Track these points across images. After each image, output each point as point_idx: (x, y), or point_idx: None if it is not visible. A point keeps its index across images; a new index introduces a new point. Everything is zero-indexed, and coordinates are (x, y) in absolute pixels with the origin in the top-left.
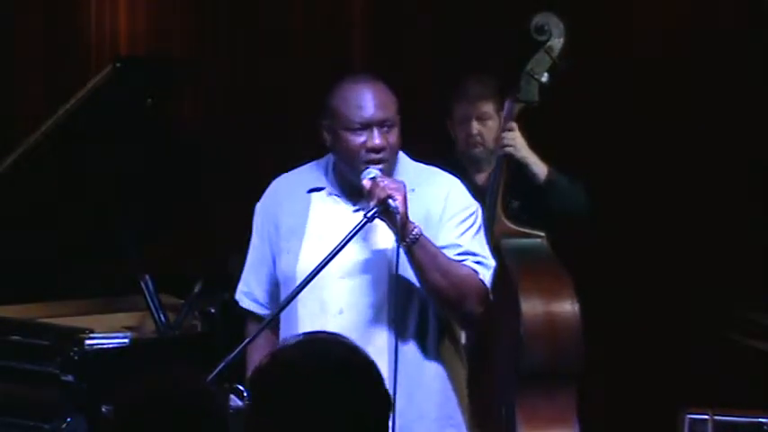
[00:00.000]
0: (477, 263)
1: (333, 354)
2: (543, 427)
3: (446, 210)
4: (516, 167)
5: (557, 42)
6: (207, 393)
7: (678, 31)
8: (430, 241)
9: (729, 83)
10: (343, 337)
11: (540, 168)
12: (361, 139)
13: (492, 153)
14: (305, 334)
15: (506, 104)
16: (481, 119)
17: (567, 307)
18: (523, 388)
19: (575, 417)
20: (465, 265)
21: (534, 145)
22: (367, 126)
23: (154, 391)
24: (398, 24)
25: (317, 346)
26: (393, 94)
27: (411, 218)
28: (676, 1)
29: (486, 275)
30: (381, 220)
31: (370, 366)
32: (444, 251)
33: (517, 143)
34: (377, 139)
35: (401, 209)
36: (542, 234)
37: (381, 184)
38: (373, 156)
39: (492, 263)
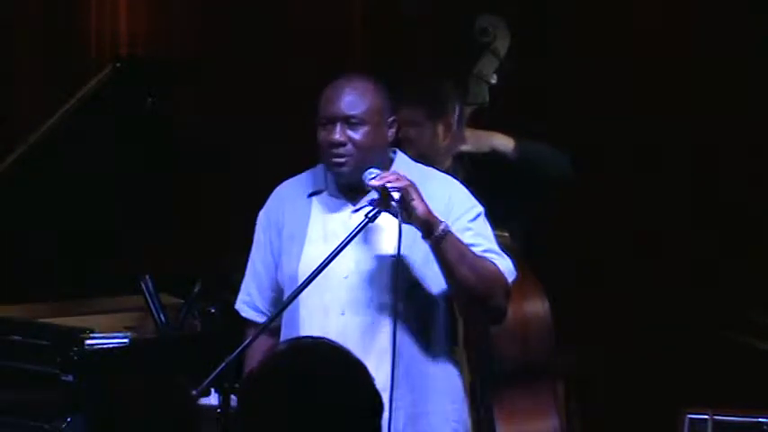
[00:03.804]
0: (499, 259)
1: (321, 357)
2: (522, 422)
3: (453, 211)
4: (482, 165)
5: (501, 43)
6: (180, 395)
7: (679, 29)
8: (457, 237)
9: (731, 81)
10: (331, 341)
11: (506, 147)
12: (324, 133)
13: (426, 158)
14: (292, 339)
15: (457, 109)
16: (409, 124)
17: (537, 306)
18: (499, 386)
19: (553, 409)
20: (491, 261)
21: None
22: (330, 121)
23: (127, 394)
24: (398, 24)
25: (304, 350)
26: (379, 95)
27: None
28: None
29: (509, 274)
30: (402, 222)
31: (359, 368)
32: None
33: (466, 141)
34: (334, 134)
35: (421, 208)
36: (506, 234)
37: (392, 181)
38: (333, 150)
39: (511, 265)
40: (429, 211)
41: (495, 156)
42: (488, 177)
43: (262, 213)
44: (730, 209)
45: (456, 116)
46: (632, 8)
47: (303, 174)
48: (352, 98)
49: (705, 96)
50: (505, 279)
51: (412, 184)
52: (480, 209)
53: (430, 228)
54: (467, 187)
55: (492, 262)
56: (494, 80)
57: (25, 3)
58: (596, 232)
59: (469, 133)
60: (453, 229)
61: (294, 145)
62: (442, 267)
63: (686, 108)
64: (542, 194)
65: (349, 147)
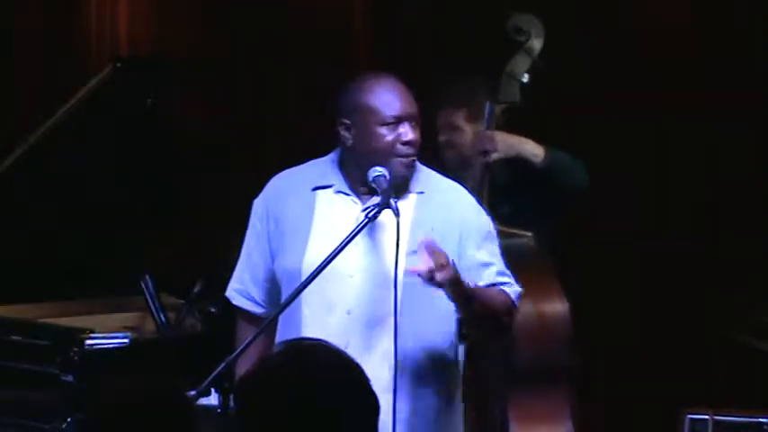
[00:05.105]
0: (508, 284)
1: (318, 359)
2: (536, 424)
3: (466, 224)
4: (506, 167)
5: (536, 42)
6: (177, 396)
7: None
8: (476, 286)
9: (733, 81)
10: (328, 343)
11: (535, 155)
12: (395, 133)
13: (467, 160)
14: (288, 341)
15: (487, 107)
16: (450, 128)
17: (557, 307)
18: (515, 387)
19: (567, 413)
20: (499, 290)
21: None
22: (400, 120)
23: (125, 395)
24: (399, 24)
25: (302, 352)
26: None
27: (420, 221)
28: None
29: (517, 298)
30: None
31: (356, 370)
32: (481, 269)
33: (497, 146)
34: (411, 133)
35: (458, 291)
36: (529, 234)
37: (435, 260)
38: (407, 150)
39: (516, 286)
40: (457, 280)
41: (521, 162)
42: (513, 180)
43: (258, 202)
44: (730, 209)
45: (486, 114)
46: (632, 7)
47: (303, 166)
48: (411, 97)
49: (706, 96)
50: (514, 305)
51: (453, 269)
52: (487, 218)
53: (459, 294)
54: (473, 195)
55: (503, 290)
56: (525, 79)
57: (25, 3)
58: (596, 233)
59: (500, 137)
60: (469, 242)
61: (294, 144)
62: (460, 311)
63: (687, 109)
64: (561, 201)
65: (417, 146)
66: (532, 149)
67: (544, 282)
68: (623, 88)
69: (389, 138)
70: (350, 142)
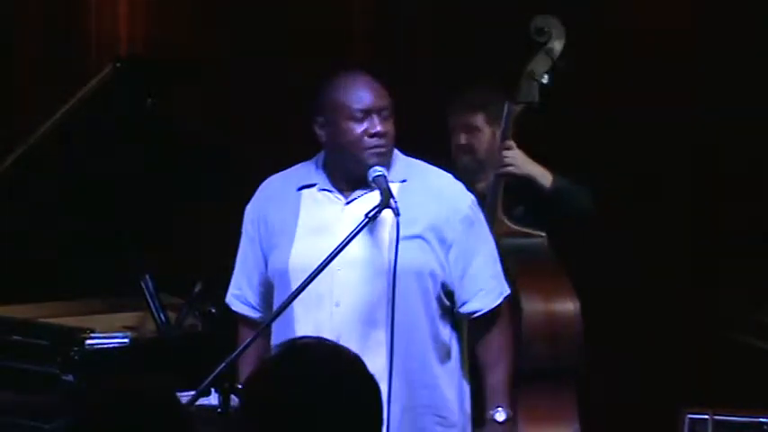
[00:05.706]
0: (491, 290)
1: (316, 356)
2: (544, 424)
3: (453, 208)
4: (518, 180)
5: (557, 44)
6: (171, 400)
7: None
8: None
9: (733, 84)
10: (324, 339)
11: (544, 179)
12: (363, 126)
13: (482, 164)
14: (285, 342)
15: (506, 107)
16: (469, 130)
17: (568, 306)
18: (524, 386)
19: (575, 413)
20: (498, 355)
21: (534, 149)
22: (368, 113)
23: (117, 396)
24: (399, 24)
25: (298, 350)
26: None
27: (405, 209)
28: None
29: (504, 301)
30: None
31: (356, 363)
32: (468, 256)
33: (517, 161)
34: (379, 125)
35: None
36: (543, 234)
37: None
38: (376, 141)
39: (504, 287)
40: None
41: (530, 183)
42: (524, 188)
43: (249, 207)
44: (730, 208)
45: (505, 114)
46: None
47: (290, 168)
48: (380, 90)
49: (706, 96)
50: (506, 319)
51: None
52: (473, 202)
53: None
54: (472, 191)
55: (496, 338)
56: (545, 80)
57: (25, 3)
58: (595, 232)
59: (517, 153)
60: (453, 228)
61: (294, 145)
62: None
63: (686, 108)
64: (566, 223)
65: (388, 137)
66: (542, 174)
67: (556, 281)
68: (623, 88)
69: (358, 131)
70: (324, 139)
